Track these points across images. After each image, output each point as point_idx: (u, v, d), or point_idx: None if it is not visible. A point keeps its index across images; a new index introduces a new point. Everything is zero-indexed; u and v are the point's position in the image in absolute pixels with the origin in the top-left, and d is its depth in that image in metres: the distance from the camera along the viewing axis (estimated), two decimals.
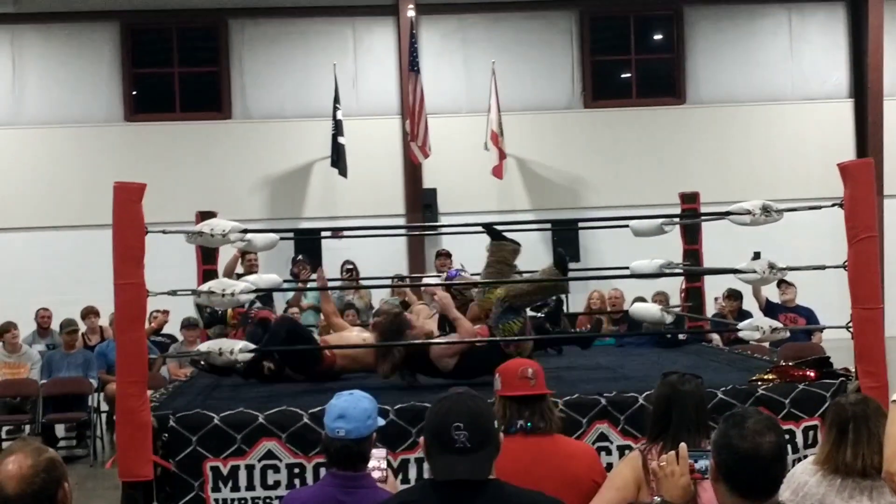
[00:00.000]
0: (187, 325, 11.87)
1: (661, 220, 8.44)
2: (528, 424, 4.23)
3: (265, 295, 10.16)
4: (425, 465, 3.11)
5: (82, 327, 12.53)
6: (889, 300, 15.51)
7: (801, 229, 12.89)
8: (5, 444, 11.54)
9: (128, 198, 5.84)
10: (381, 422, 3.86)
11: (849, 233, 6.20)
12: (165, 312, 12.04)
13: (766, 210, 6.63)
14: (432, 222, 15.88)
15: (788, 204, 7.16)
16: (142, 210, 5.87)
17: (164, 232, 6.20)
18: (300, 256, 12.02)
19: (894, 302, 15.82)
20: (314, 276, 9.80)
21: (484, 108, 16.03)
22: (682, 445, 3.53)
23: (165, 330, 12.71)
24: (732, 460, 3.02)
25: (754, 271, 6.61)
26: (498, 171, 15.90)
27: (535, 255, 15.01)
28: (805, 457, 5.06)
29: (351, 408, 3.73)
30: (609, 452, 5.89)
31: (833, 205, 6.45)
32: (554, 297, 8.49)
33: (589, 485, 4.20)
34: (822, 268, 6.73)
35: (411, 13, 16.16)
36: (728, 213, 6.83)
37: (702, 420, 4.22)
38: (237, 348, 6.24)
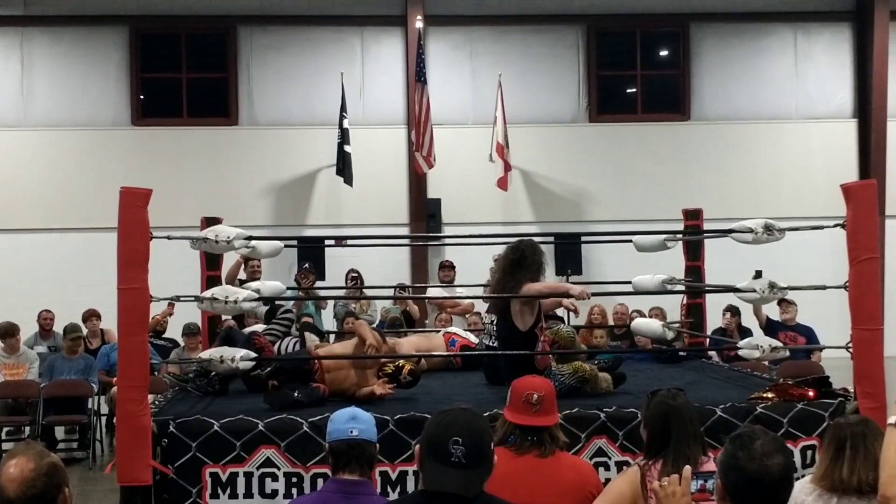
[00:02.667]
0: (188, 332, 11.87)
1: (663, 236, 8.48)
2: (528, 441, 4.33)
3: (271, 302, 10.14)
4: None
5: (84, 331, 12.54)
6: (889, 320, 15.65)
7: (804, 248, 12.93)
8: (5, 445, 11.56)
9: (134, 203, 5.87)
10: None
11: (850, 254, 6.23)
12: (171, 304, 11.88)
13: (768, 228, 6.66)
14: (436, 232, 15.91)
15: (791, 222, 7.19)
16: (147, 215, 5.89)
17: (168, 238, 6.23)
18: (306, 265, 12.04)
19: (895, 322, 15.94)
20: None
21: (490, 120, 16.07)
22: (687, 468, 3.55)
23: (168, 333, 12.75)
24: (741, 482, 3.03)
25: (754, 290, 6.62)
26: (503, 183, 15.92)
27: None
28: (802, 476, 5.09)
29: (360, 412, 3.82)
30: (607, 468, 5.90)
31: (835, 225, 6.48)
32: None
33: (585, 494, 4.25)
34: (823, 288, 6.74)
35: (419, 24, 16.21)
36: (730, 231, 6.86)
37: (697, 432, 4.28)
38: (238, 356, 6.26)
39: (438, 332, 9.52)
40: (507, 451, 4.27)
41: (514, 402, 4.40)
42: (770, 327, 11.30)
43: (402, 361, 6.92)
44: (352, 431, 3.72)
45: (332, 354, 7.07)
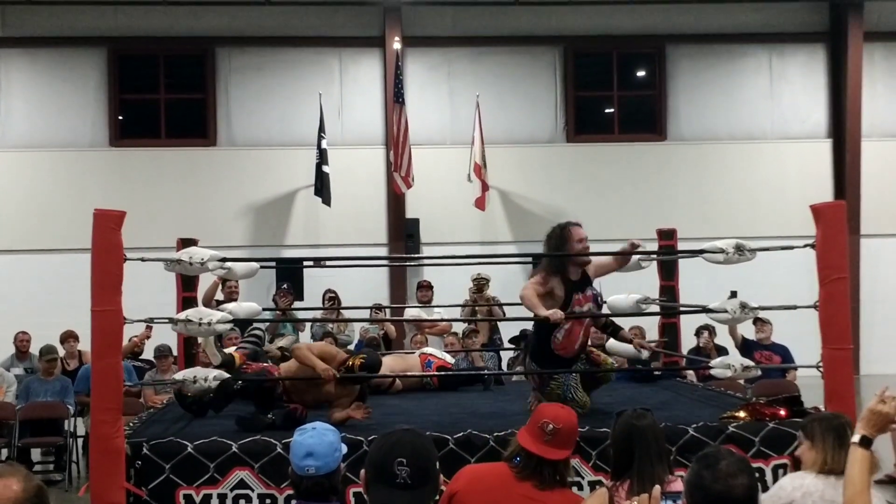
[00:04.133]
0: (160, 354, 11.80)
1: (638, 256, 8.49)
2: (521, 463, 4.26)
3: (244, 322, 10.13)
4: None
5: (61, 352, 12.46)
6: (865, 339, 15.82)
7: (778, 266, 13.00)
8: None
9: (107, 225, 5.86)
10: (344, 448, 3.87)
11: (820, 273, 6.27)
12: (149, 328, 11.84)
13: (739, 249, 6.69)
14: (414, 252, 15.94)
15: (767, 242, 7.23)
16: (121, 237, 5.89)
17: (142, 259, 6.22)
18: (285, 285, 12.01)
19: (870, 340, 16.05)
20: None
21: (468, 141, 16.13)
22: (656, 488, 3.57)
23: (145, 355, 12.68)
24: (705, 501, 3.06)
25: (725, 311, 6.66)
26: (480, 203, 15.98)
27: (515, 288, 15.17)
28: None
29: (317, 444, 3.71)
30: (580, 488, 5.92)
31: (805, 245, 6.52)
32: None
33: None
34: (794, 307, 6.79)
35: (397, 45, 16.29)
36: (702, 251, 6.88)
37: (662, 451, 4.29)
38: (211, 376, 6.26)
39: (414, 352, 9.52)
40: (510, 472, 4.20)
41: (532, 424, 4.25)
42: (745, 346, 11.33)
43: (351, 360, 6.86)
44: (308, 469, 3.68)
45: (289, 375, 7.02)
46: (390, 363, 8.87)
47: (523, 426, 4.34)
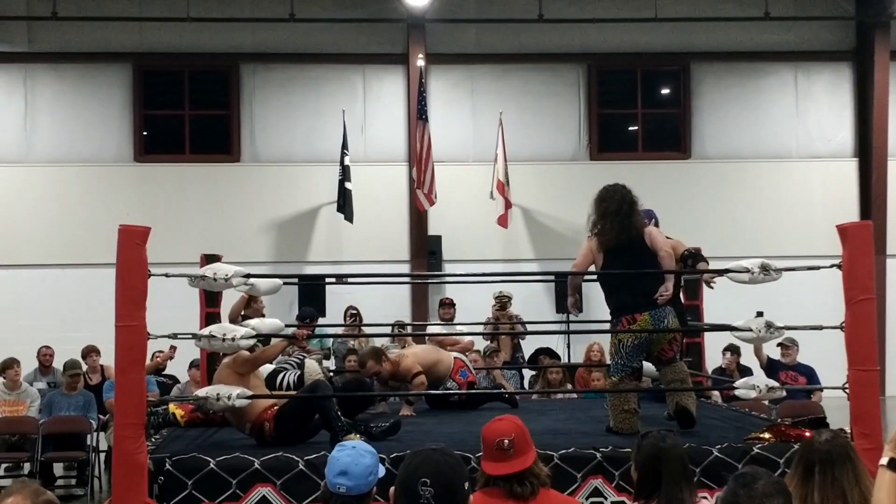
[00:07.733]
0: (196, 364, 11.81)
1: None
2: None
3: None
4: None
5: (83, 367, 12.51)
6: (892, 360, 15.64)
7: (804, 286, 12.88)
8: (4, 482, 11.51)
9: (132, 240, 5.90)
10: (382, 472, 3.84)
11: (846, 294, 6.23)
12: (173, 348, 11.91)
13: (765, 269, 6.65)
14: (437, 269, 15.92)
15: (791, 262, 7.20)
16: (145, 253, 5.92)
17: (166, 275, 6.24)
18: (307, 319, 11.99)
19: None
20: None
21: (491, 158, 16.12)
22: None
23: (168, 370, 12.71)
24: None
25: (750, 329, 6.62)
26: (503, 221, 15.96)
27: (537, 305, 15.17)
28: None
29: (353, 464, 3.69)
30: None
31: (832, 265, 6.49)
32: None
33: None
34: (820, 328, 6.74)
35: (421, 62, 16.32)
36: (727, 271, 6.86)
37: (688, 473, 4.25)
38: (234, 394, 6.26)
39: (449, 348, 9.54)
40: (500, 495, 4.09)
41: (488, 451, 4.07)
42: (771, 367, 11.27)
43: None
44: (339, 488, 3.67)
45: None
46: (421, 355, 8.86)
47: (481, 457, 4.13)
